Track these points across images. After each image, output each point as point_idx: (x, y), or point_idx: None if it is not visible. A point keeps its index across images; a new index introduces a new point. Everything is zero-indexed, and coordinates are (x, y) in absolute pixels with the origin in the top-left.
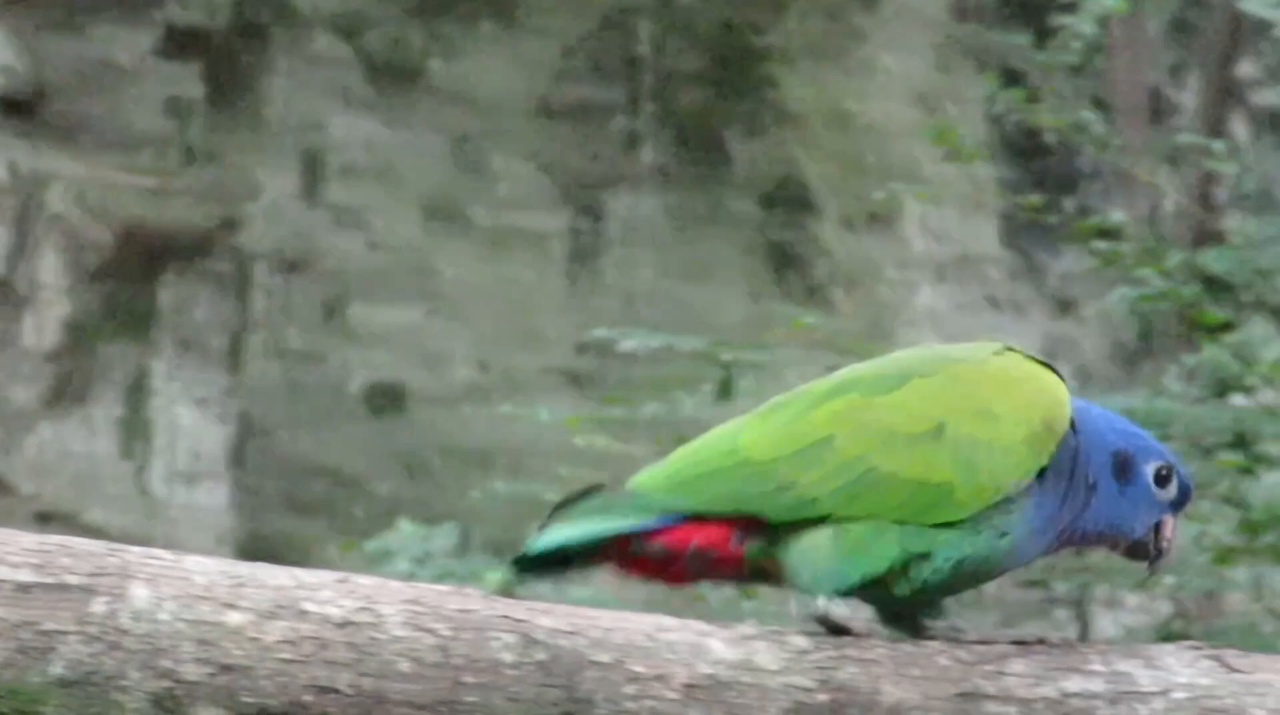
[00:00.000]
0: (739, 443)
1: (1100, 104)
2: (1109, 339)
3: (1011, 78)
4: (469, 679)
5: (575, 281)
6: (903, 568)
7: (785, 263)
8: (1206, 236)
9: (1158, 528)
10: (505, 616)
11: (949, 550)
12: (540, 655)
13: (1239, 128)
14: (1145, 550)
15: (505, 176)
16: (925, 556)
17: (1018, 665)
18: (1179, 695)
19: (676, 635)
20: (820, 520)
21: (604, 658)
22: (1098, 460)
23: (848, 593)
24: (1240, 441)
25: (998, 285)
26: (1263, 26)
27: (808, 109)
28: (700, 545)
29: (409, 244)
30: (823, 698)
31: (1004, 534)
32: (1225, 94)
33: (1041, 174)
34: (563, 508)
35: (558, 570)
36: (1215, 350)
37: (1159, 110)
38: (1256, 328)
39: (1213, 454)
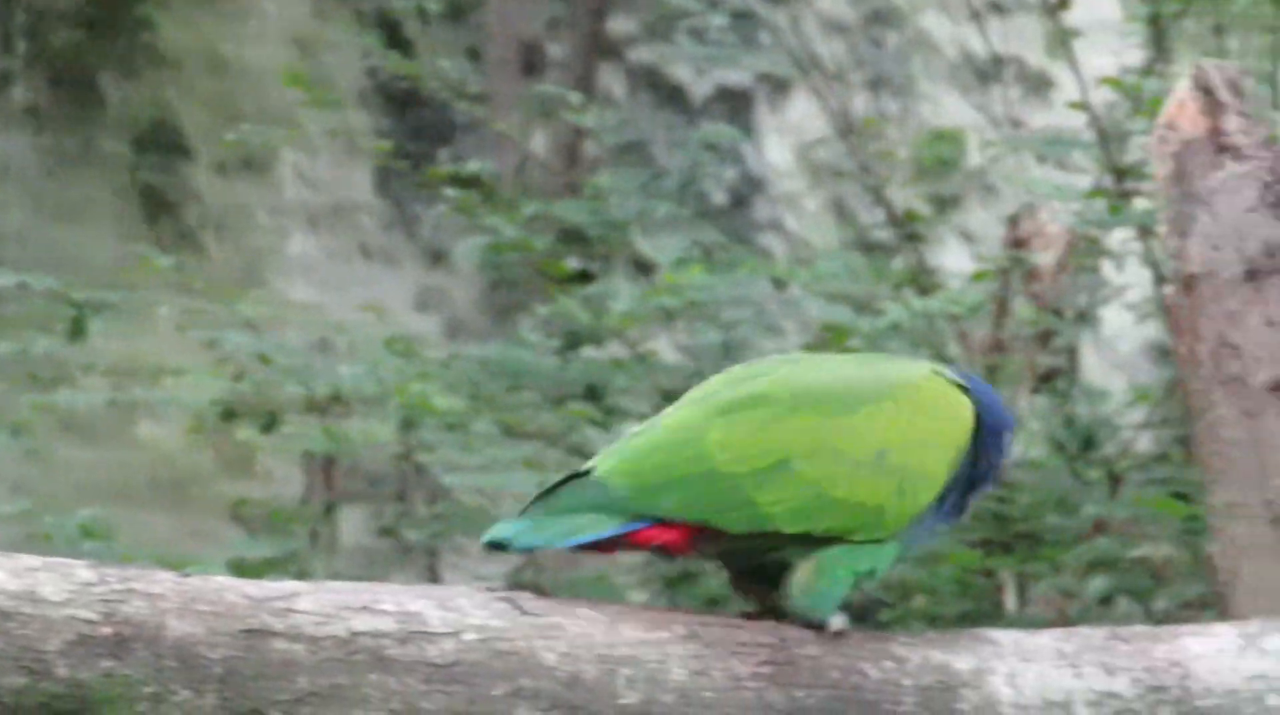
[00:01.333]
0: (705, 448)
1: (475, 55)
2: (479, 290)
3: (391, 28)
4: None
5: None
6: (857, 582)
7: (157, 206)
8: (574, 190)
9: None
10: None
11: (883, 565)
12: None
13: (616, 84)
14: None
15: None
16: (873, 573)
17: (306, 602)
18: (470, 637)
19: None
20: (772, 534)
21: None
22: (991, 445)
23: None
24: (592, 393)
25: (371, 234)
26: None
27: (183, 52)
28: (662, 544)
29: None
30: (106, 631)
31: (909, 545)
32: (598, 49)
33: (418, 124)
34: (543, 498)
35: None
36: (567, 302)
37: (534, 64)
38: (614, 281)
39: (565, 405)
